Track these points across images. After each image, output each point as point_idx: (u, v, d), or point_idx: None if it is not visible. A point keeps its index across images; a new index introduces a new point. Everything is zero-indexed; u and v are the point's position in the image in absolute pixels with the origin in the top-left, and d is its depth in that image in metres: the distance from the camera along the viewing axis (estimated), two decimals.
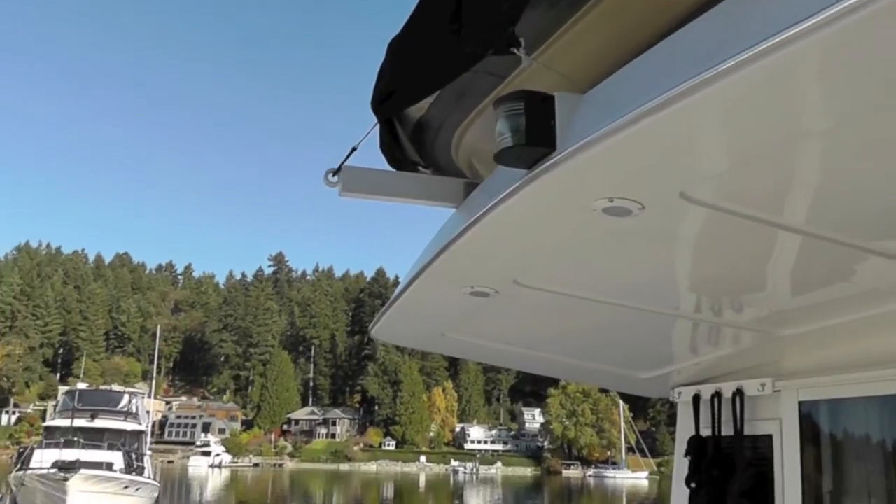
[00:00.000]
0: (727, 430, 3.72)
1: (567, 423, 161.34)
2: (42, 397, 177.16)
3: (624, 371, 4.17)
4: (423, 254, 2.83)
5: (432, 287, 2.97)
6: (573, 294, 2.89)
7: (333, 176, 2.93)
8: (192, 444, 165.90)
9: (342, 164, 2.94)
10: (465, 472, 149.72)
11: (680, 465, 3.93)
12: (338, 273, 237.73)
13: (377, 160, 3.28)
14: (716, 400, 3.79)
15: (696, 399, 3.93)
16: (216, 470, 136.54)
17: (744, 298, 2.96)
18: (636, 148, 1.82)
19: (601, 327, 3.43)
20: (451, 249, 2.50)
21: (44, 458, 34.35)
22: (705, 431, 3.83)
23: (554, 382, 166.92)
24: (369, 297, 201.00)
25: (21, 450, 44.67)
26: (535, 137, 2.01)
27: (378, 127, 3.20)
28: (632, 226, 2.14)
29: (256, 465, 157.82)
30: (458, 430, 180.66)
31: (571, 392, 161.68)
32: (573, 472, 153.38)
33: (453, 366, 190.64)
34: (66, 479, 30.19)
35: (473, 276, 2.79)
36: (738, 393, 3.67)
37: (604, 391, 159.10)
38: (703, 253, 2.51)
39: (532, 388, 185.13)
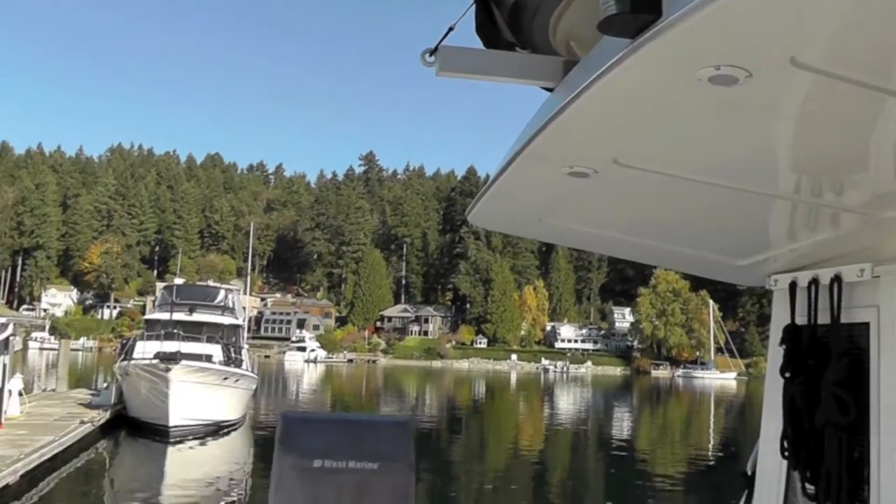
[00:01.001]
0: (823, 318, 3.58)
1: (657, 322, 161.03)
2: (140, 293, 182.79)
3: (720, 258, 4.05)
4: (521, 135, 2.70)
5: (530, 168, 2.87)
6: (673, 174, 2.77)
7: (430, 56, 2.85)
8: (288, 339, 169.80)
9: (439, 43, 2.87)
10: (555, 371, 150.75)
11: (774, 355, 3.82)
12: (428, 172, 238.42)
13: (473, 44, 3.21)
14: (812, 287, 3.68)
15: (793, 286, 3.82)
16: (311, 365, 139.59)
17: (847, 178, 2.80)
18: (746, 11, 1.77)
19: (700, 210, 3.31)
20: (551, 128, 2.43)
21: (146, 350, 34.87)
22: (801, 320, 3.70)
23: (644, 281, 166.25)
24: (460, 195, 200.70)
25: (124, 342, 45.61)
26: (640, 4, 1.95)
27: (474, 7, 3.18)
28: (737, 96, 2.10)
29: (350, 360, 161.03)
30: (548, 328, 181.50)
31: (661, 291, 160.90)
32: (662, 372, 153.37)
33: (544, 264, 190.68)
34: (167, 370, 30.55)
35: (572, 155, 2.69)
36: (836, 279, 3.55)
37: (694, 290, 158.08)
38: (809, 125, 2.38)
39: (622, 287, 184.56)
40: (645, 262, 4.37)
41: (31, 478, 20.82)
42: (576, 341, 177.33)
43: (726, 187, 2.86)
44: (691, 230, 3.72)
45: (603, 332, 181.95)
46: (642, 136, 2.51)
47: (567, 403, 71.04)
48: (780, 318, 3.91)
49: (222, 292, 45.76)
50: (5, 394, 28.53)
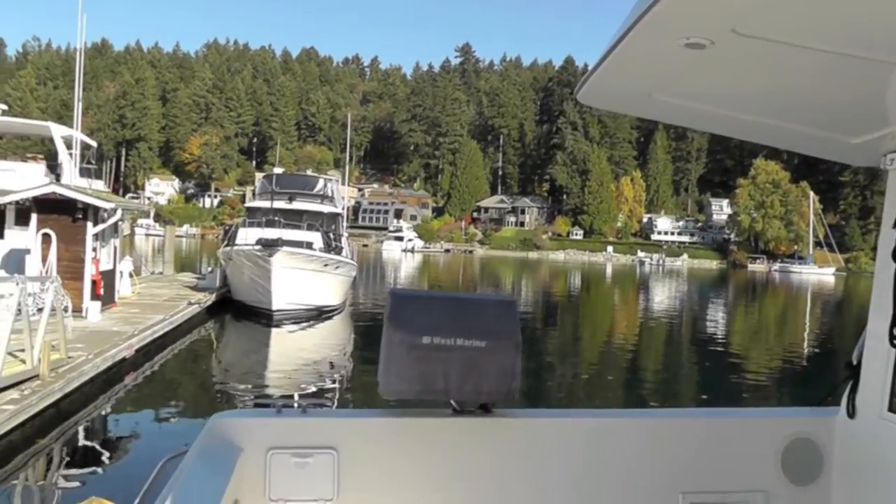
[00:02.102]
0: None
1: (755, 214, 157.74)
2: (240, 183, 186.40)
3: (834, 135, 3.78)
4: (636, 5, 2.55)
5: (644, 40, 2.72)
6: (792, 42, 2.65)
7: None
8: (385, 229, 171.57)
9: None
10: (650, 264, 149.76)
11: (886, 238, 3.73)
12: (525, 62, 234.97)
13: None
14: None
15: None
16: (408, 254, 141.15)
17: None
18: None
19: (816, 83, 3.12)
20: None
21: (248, 236, 35.47)
22: None
23: (743, 172, 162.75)
24: (558, 85, 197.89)
25: (226, 228, 46.53)
26: None
27: None
28: None
29: (447, 250, 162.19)
30: (644, 220, 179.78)
31: (761, 182, 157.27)
32: (758, 266, 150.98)
33: (642, 155, 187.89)
34: (270, 256, 31.05)
35: (691, 25, 2.57)
36: None
37: (795, 182, 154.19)
38: None
39: (721, 179, 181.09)
40: (756, 141, 4.23)
41: (145, 353, 21.70)
42: (672, 234, 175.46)
43: (846, 55, 2.74)
44: (806, 105, 3.55)
45: (700, 224, 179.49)
46: (764, 2, 2.43)
47: (662, 296, 70.67)
48: (894, 200, 3.80)
49: (321, 181, 46.12)
50: (117, 274, 29.63)
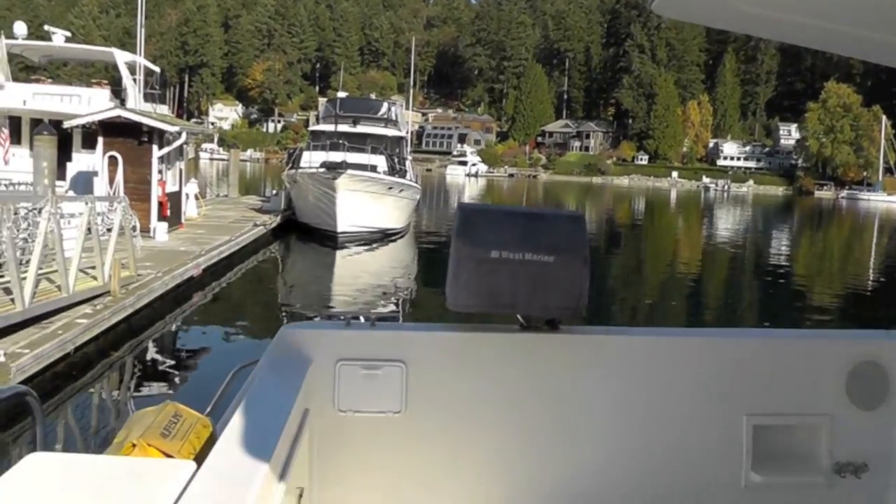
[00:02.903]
0: None
1: (824, 140, 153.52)
2: (303, 108, 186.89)
3: None
4: None
5: None
6: None
7: None
8: (449, 154, 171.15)
9: None
10: (715, 190, 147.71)
11: None
12: None
13: None
14: None
15: None
16: (472, 179, 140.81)
17: None
18: None
19: None
20: None
21: (312, 160, 35.56)
22: None
23: (814, 95, 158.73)
24: (625, 8, 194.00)
25: (291, 152, 46.67)
26: None
27: None
28: None
29: (511, 175, 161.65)
30: (710, 145, 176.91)
31: (831, 106, 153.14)
32: (825, 193, 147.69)
33: (710, 78, 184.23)
34: (335, 178, 31.13)
35: None
36: None
37: (867, 106, 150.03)
38: None
39: (790, 102, 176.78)
40: (842, 54, 4.05)
41: (212, 272, 22.04)
42: (738, 159, 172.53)
43: None
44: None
45: (767, 149, 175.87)
46: None
47: (726, 223, 69.82)
48: None
49: (385, 105, 45.99)
50: (183, 196, 30.04)
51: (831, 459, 3.83)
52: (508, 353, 3.72)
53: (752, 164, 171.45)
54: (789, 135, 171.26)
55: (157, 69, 36.05)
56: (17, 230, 14.18)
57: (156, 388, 13.13)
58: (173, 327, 17.42)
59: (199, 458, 2.63)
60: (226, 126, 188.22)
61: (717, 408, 3.80)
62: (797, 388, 3.85)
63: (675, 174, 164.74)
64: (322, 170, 32.20)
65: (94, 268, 15.77)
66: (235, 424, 2.85)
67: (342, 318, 3.75)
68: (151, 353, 15.42)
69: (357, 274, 27.82)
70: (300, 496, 3.46)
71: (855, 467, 3.82)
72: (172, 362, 14.97)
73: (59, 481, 2.46)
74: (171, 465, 2.69)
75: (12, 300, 12.87)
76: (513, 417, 3.74)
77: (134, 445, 2.94)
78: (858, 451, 3.85)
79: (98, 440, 10.57)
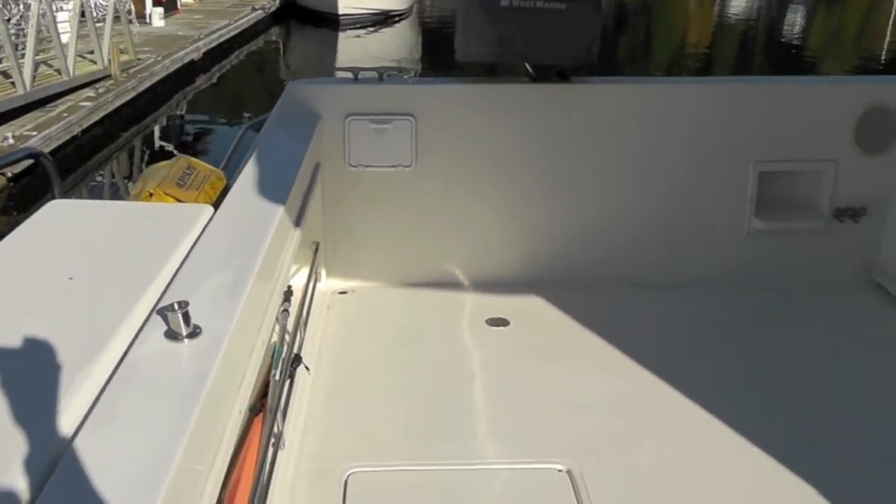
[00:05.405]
0: None
1: None
2: None
3: None
4: None
5: None
6: None
7: None
8: None
9: None
10: None
11: None
12: None
13: None
14: None
15: None
16: None
17: None
18: None
19: None
20: None
21: None
22: None
23: None
24: None
25: None
26: None
27: None
28: None
29: None
30: None
31: None
32: None
33: None
34: None
35: None
36: None
37: None
38: None
39: None
40: None
41: (213, 56, 21.78)
42: None
43: None
44: None
45: None
46: None
47: None
48: None
49: None
50: None
51: (832, 205, 3.94)
52: (519, 105, 3.72)
53: None
54: None
55: None
56: (8, 12, 13.92)
57: (169, 151, 13.24)
58: (179, 111, 17.32)
59: (216, 207, 2.62)
60: None
61: (725, 154, 3.87)
62: (806, 134, 3.87)
63: None
64: None
65: (92, 52, 15.53)
66: (248, 174, 2.86)
67: (351, 72, 3.72)
68: (159, 134, 15.41)
69: (360, 57, 27.32)
70: (315, 251, 3.50)
71: (854, 212, 3.94)
72: (182, 139, 14.99)
73: (81, 224, 2.47)
74: (189, 208, 2.71)
75: (13, 83, 12.73)
76: (522, 168, 3.81)
77: (151, 194, 2.94)
78: (858, 196, 3.94)
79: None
